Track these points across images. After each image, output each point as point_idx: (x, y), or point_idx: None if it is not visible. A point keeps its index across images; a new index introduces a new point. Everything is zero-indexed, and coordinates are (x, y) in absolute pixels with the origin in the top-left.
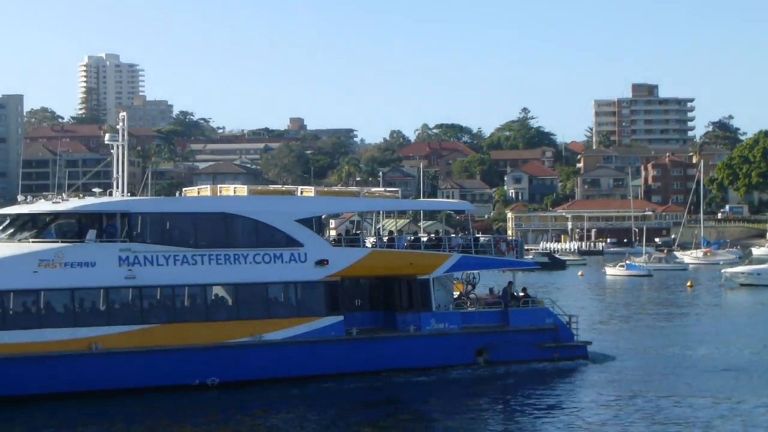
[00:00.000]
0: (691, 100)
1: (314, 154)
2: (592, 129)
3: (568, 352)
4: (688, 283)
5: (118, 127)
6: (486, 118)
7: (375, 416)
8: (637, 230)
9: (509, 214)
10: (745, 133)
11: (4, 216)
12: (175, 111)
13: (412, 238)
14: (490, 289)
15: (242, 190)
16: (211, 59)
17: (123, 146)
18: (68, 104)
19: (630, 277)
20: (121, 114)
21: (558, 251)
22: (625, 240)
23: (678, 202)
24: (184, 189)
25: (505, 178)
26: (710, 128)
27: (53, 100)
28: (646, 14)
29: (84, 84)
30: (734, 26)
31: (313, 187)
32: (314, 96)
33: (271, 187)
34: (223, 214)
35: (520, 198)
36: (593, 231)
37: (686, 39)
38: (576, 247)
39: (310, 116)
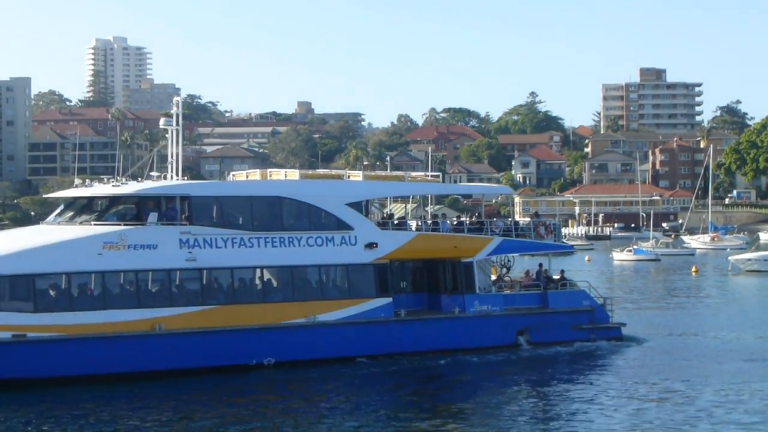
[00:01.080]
0: (699, 85)
1: (322, 138)
2: (599, 113)
3: (603, 334)
4: (693, 269)
5: (171, 111)
6: (494, 102)
7: (421, 396)
8: (644, 215)
9: (517, 199)
10: (753, 118)
11: (64, 199)
12: (183, 94)
13: (456, 221)
14: (527, 272)
15: (294, 174)
16: (218, 42)
17: (178, 131)
18: (76, 87)
19: (637, 261)
20: (175, 99)
21: (566, 236)
22: (632, 225)
23: (685, 187)
24: (232, 173)
25: (513, 163)
26: (718, 113)
27: (61, 83)
28: None
29: (92, 67)
30: (742, 10)
31: (360, 172)
32: (322, 80)
33: (321, 171)
34: (278, 198)
35: (527, 182)
36: (601, 216)
37: (694, 23)
38: (583, 232)
39: (317, 100)
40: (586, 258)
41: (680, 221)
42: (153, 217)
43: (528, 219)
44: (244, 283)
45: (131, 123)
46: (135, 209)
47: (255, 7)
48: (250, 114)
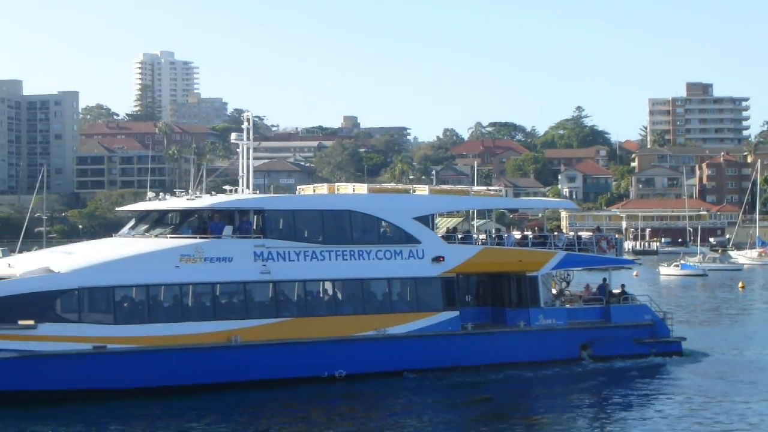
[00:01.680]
0: (746, 99)
1: (367, 152)
2: (646, 128)
3: (663, 348)
4: (740, 284)
5: (243, 126)
6: (540, 117)
7: (486, 409)
8: (691, 230)
9: (563, 213)
10: None
11: (140, 212)
12: (230, 108)
13: (520, 235)
14: (587, 286)
15: (362, 188)
16: (265, 57)
17: (248, 146)
18: (123, 101)
19: (684, 276)
20: (246, 114)
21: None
22: (679, 240)
23: (733, 202)
24: (299, 187)
25: (559, 177)
26: (765, 127)
27: (108, 97)
28: (700, 13)
29: (139, 81)
30: None
31: (426, 186)
32: (368, 94)
33: (388, 185)
34: (348, 211)
35: (574, 197)
36: (647, 230)
37: (741, 38)
38: (630, 247)
39: (363, 114)
40: (634, 273)
41: (727, 236)
42: (228, 230)
43: (590, 233)
44: (316, 295)
45: (178, 137)
46: (208, 222)
47: (301, 23)
48: (296, 128)
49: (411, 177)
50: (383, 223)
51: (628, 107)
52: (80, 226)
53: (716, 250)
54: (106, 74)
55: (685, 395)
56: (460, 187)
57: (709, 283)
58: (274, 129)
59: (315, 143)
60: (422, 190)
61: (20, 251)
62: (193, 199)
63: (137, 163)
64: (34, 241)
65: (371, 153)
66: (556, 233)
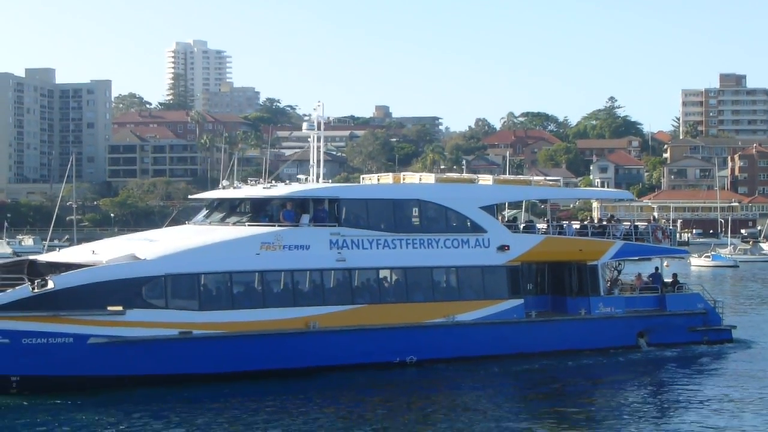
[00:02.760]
0: None
1: (399, 142)
2: (679, 119)
3: (715, 336)
4: None
5: (314, 117)
6: (572, 107)
7: (552, 394)
8: (723, 221)
9: (594, 204)
10: None
11: (215, 200)
12: (262, 98)
13: (579, 225)
14: (638, 275)
15: (429, 177)
16: (298, 47)
17: (319, 135)
18: (156, 90)
19: (715, 267)
20: (317, 103)
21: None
22: (711, 231)
23: (765, 194)
24: (362, 176)
25: (591, 168)
26: None
27: (141, 85)
28: (734, 4)
29: (172, 70)
30: None
31: (490, 176)
32: (400, 84)
33: (455, 175)
34: (418, 201)
35: (606, 187)
36: (679, 222)
37: None
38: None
39: (395, 104)
40: (665, 264)
41: (759, 228)
42: (305, 218)
43: (645, 223)
44: (389, 283)
45: (210, 126)
46: (278, 210)
47: (333, 12)
48: (328, 118)
49: (442, 167)
50: (451, 213)
51: (660, 98)
52: (112, 215)
53: (747, 242)
54: (139, 63)
55: (741, 380)
56: (521, 177)
57: (740, 274)
58: (306, 118)
59: (347, 133)
60: (486, 179)
61: (51, 239)
62: (269, 188)
63: (169, 152)
64: (65, 229)
65: (403, 143)
66: (613, 223)
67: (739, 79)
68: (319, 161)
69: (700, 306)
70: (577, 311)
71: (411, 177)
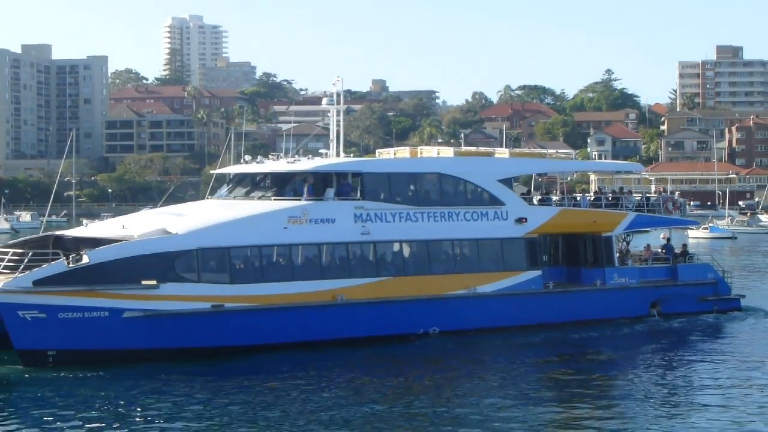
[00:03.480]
0: None
1: (396, 116)
2: (676, 91)
3: (725, 305)
4: None
5: (333, 91)
6: (569, 80)
7: (572, 364)
8: (720, 193)
9: (592, 176)
10: None
11: (238, 174)
12: (259, 72)
13: (592, 197)
14: (647, 246)
15: (447, 151)
16: (294, 21)
17: (339, 110)
18: (152, 65)
19: (713, 239)
20: (336, 78)
21: None
22: (708, 203)
23: (762, 165)
24: (378, 150)
25: (588, 140)
26: None
27: (137, 61)
28: None
29: (168, 45)
30: None
31: (507, 149)
32: (396, 58)
33: (472, 148)
34: (438, 174)
35: (603, 160)
36: (676, 193)
37: None
38: None
39: (392, 78)
40: (662, 235)
41: (756, 199)
42: (330, 192)
43: (655, 195)
44: (412, 255)
45: (207, 101)
46: (301, 184)
47: None
48: (325, 92)
49: (439, 141)
50: (470, 186)
51: (657, 70)
52: (109, 190)
53: (745, 213)
54: (135, 38)
55: (754, 346)
56: (536, 150)
57: (738, 245)
58: (302, 93)
59: (344, 107)
60: (503, 153)
61: (49, 215)
62: (293, 162)
63: (166, 127)
64: (63, 205)
65: (400, 117)
66: (625, 194)
67: (736, 51)
68: (339, 136)
69: (710, 276)
70: (592, 282)
71: (429, 151)
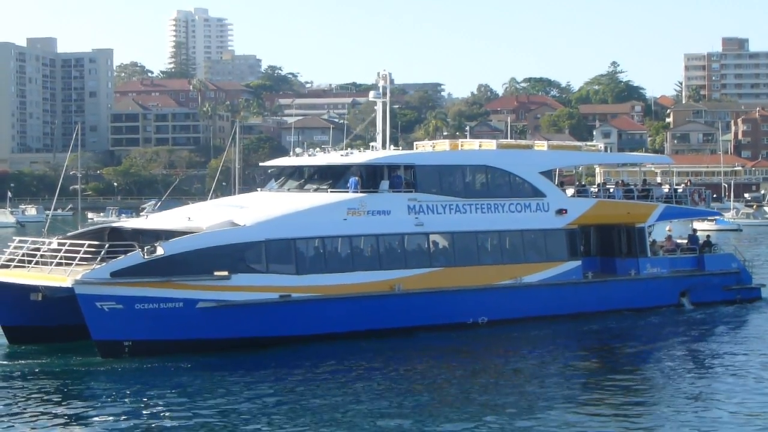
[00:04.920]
0: None
1: (401, 109)
2: (681, 83)
3: (747, 294)
4: None
5: (379, 84)
6: (574, 72)
7: (618, 352)
8: (726, 185)
9: (597, 169)
10: None
11: (290, 167)
12: (264, 65)
13: (624, 189)
14: (668, 237)
15: (490, 144)
16: (299, 14)
17: (384, 103)
18: (157, 59)
19: (719, 231)
20: (381, 71)
21: None
22: (714, 195)
23: None
24: (416, 143)
25: (594, 133)
26: None
27: (143, 54)
28: None
29: (173, 38)
30: None
31: (545, 142)
32: (402, 51)
33: (513, 141)
34: (485, 166)
35: (609, 152)
36: (682, 185)
37: None
38: None
39: (397, 71)
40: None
41: (762, 192)
42: (384, 184)
43: (682, 186)
44: (462, 246)
45: (212, 94)
46: (359, 177)
47: None
48: (330, 85)
49: (445, 133)
50: (514, 178)
51: (663, 63)
52: (115, 184)
53: (751, 206)
54: (141, 32)
55: None
56: (572, 143)
57: (744, 237)
58: (308, 86)
59: (349, 100)
60: (541, 145)
61: (55, 209)
62: (346, 155)
63: (172, 120)
64: (68, 198)
65: (405, 110)
66: (656, 186)
67: (742, 43)
68: (384, 129)
69: (734, 266)
70: (627, 272)
71: (470, 144)
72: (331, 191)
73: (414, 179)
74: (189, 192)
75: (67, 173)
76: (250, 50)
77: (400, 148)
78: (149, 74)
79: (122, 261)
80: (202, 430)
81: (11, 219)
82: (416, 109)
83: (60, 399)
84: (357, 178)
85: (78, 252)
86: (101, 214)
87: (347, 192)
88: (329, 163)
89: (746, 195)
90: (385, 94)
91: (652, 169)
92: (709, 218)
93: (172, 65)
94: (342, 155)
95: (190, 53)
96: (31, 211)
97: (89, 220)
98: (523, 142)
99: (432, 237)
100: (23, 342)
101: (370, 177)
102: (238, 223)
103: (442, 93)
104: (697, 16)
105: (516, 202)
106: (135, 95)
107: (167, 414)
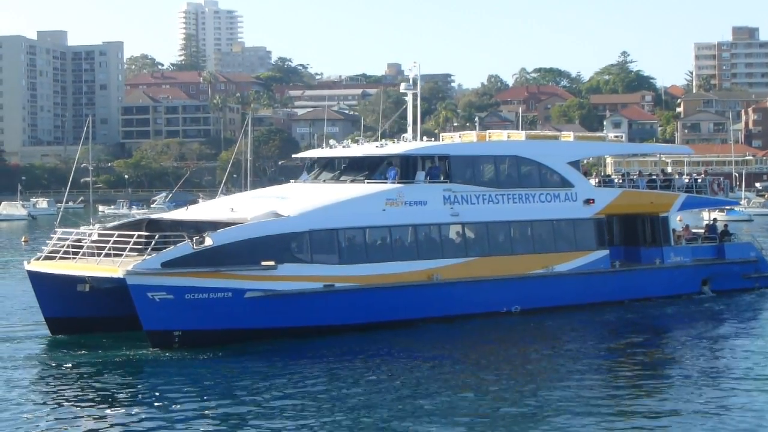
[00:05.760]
0: None
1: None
2: (692, 73)
3: (765, 282)
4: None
5: (411, 76)
6: (585, 62)
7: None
8: (737, 175)
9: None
10: None
11: (324, 159)
12: (274, 57)
13: (647, 179)
14: (686, 226)
15: (519, 135)
16: (309, 5)
17: (415, 94)
18: (168, 51)
19: (729, 221)
20: (414, 62)
21: None
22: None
23: None
24: (442, 135)
25: (604, 123)
26: None
27: (153, 47)
28: None
29: (183, 31)
30: None
31: (571, 133)
32: (412, 42)
33: (541, 132)
34: (516, 157)
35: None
36: (693, 175)
37: None
38: None
39: (407, 62)
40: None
41: None
42: (420, 175)
43: (701, 176)
44: (496, 236)
45: (222, 86)
46: (394, 168)
47: None
48: (340, 76)
49: (455, 124)
50: (544, 168)
51: (673, 52)
52: (126, 176)
53: (762, 195)
54: (151, 24)
55: None
56: (597, 134)
57: (755, 227)
58: (317, 77)
59: (359, 91)
60: (567, 136)
61: (66, 201)
62: (382, 147)
63: (182, 112)
64: (79, 191)
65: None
66: (676, 176)
67: (752, 32)
68: (416, 120)
69: (753, 254)
70: (652, 261)
71: (498, 135)
72: (367, 182)
73: (448, 170)
74: (199, 184)
75: (78, 166)
76: (260, 42)
77: (432, 139)
78: (159, 67)
79: (172, 251)
80: (251, 418)
81: (23, 212)
82: (426, 100)
83: (112, 390)
84: (396, 169)
85: (128, 243)
86: (112, 206)
87: (384, 183)
88: (366, 154)
89: (757, 184)
90: (416, 85)
91: (664, 159)
92: (726, 208)
93: (182, 57)
94: (377, 146)
95: (200, 45)
96: (42, 203)
97: (100, 213)
98: (549, 133)
99: (467, 227)
100: (65, 333)
101: (405, 168)
102: (281, 214)
103: (452, 84)
104: (707, 5)
105: (546, 192)
106: (145, 88)
107: (214, 403)
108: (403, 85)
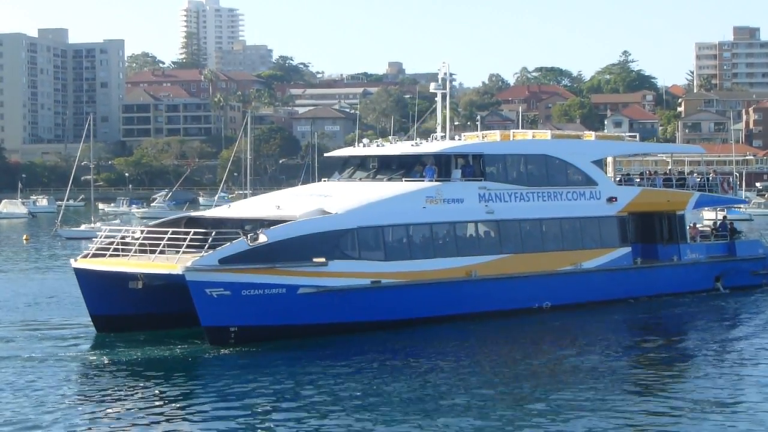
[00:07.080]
0: None
1: (412, 99)
2: (693, 72)
3: None
4: None
5: (440, 75)
6: (586, 62)
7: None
8: (737, 175)
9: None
10: None
11: (359, 157)
12: (275, 56)
13: (663, 177)
14: (694, 224)
15: (544, 134)
16: (310, 3)
17: (444, 94)
18: (169, 49)
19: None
20: (443, 62)
21: None
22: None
23: None
24: (464, 134)
25: (605, 122)
26: None
27: (154, 45)
28: None
29: (184, 29)
30: None
31: (593, 132)
32: (413, 40)
33: (565, 131)
34: (544, 156)
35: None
36: (694, 174)
37: None
38: None
39: (408, 60)
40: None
41: None
42: (456, 173)
43: (711, 175)
44: (528, 233)
45: (223, 84)
46: (430, 166)
47: None
48: (341, 75)
49: (456, 123)
50: (570, 167)
51: (674, 52)
52: (126, 174)
53: (762, 195)
54: (152, 22)
55: None
56: (614, 133)
57: (755, 227)
58: (319, 76)
59: (360, 90)
60: (589, 135)
61: (67, 199)
62: (417, 145)
63: (183, 111)
64: (80, 189)
65: (417, 99)
66: (688, 175)
67: (753, 32)
68: (445, 118)
69: (761, 251)
70: (669, 258)
71: (522, 134)
72: (405, 180)
73: (482, 168)
74: (200, 183)
75: (78, 164)
76: (261, 40)
77: (456, 138)
78: (160, 65)
79: (229, 248)
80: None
81: (23, 210)
82: (428, 99)
83: (169, 387)
84: (435, 167)
85: (184, 240)
86: (112, 204)
87: (422, 181)
88: (403, 152)
89: (758, 184)
90: (445, 85)
91: (664, 158)
92: (727, 206)
93: (183, 55)
94: (412, 145)
95: (201, 43)
96: (43, 201)
97: (100, 211)
98: (572, 132)
99: (502, 224)
100: (111, 330)
101: (440, 166)
102: (329, 211)
103: (454, 83)
104: (708, 5)
105: (572, 190)
106: (146, 86)
107: (270, 399)
108: (432, 85)
